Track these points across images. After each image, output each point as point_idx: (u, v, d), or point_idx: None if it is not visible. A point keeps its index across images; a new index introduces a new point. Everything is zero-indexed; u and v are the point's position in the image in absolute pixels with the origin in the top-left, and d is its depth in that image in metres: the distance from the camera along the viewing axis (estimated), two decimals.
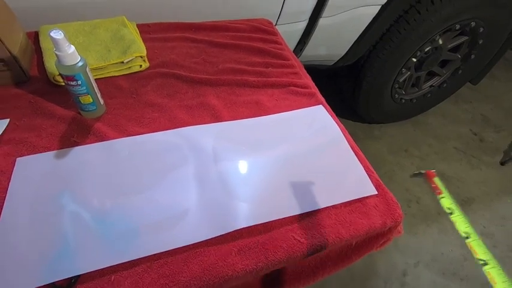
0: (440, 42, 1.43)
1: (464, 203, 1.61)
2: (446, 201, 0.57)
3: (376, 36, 1.33)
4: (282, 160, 0.61)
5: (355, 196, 0.57)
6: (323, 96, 0.74)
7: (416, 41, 1.35)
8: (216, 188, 0.56)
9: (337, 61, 1.43)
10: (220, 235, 0.50)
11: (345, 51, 1.36)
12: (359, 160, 0.62)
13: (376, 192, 0.58)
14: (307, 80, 0.78)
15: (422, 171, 0.62)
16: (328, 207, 0.55)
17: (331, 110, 0.72)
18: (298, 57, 1.34)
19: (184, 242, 0.49)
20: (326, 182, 0.58)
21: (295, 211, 0.54)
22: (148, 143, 0.61)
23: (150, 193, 0.54)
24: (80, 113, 0.64)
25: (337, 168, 0.61)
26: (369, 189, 0.58)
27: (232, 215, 0.52)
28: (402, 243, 1.44)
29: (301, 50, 1.30)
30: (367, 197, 0.57)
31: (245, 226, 0.51)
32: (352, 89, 1.58)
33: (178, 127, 0.63)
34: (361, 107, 1.63)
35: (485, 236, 1.49)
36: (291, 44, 1.26)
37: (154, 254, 0.47)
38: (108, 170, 0.57)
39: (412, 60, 1.45)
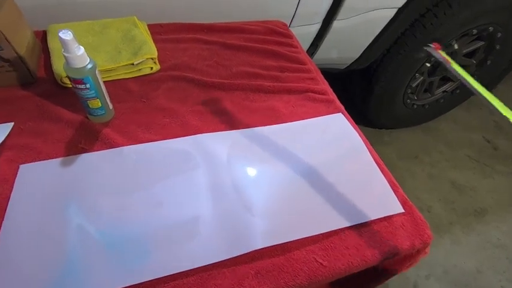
0: (456, 47, 1.38)
1: (477, 214, 1.55)
2: (456, 66, 0.54)
3: (391, 40, 1.28)
4: (300, 173, 0.57)
5: (380, 214, 0.53)
6: None
7: None
8: (231, 203, 0.52)
9: (350, 65, 1.39)
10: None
11: (358, 55, 1.32)
12: (383, 173, 0.58)
13: (403, 211, 0.54)
14: (325, 85, 0.74)
15: (431, 46, 0.57)
16: (351, 226, 0.51)
17: (350, 118, 0.68)
18: None
19: (198, 263, 0.45)
20: (348, 198, 0.54)
21: (317, 230, 0.50)
22: (158, 151, 0.57)
23: (162, 207, 0.50)
24: (87, 117, 0.60)
25: (360, 182, 0.57)
26: (395, 207, 0.54)
27: (249, 234, 0.48)
28: None
29: (314, 53, 1.26)
30: (393, 216, 0.53)
31: (263, 247, 0.47)
32: (363, 93, 1.54)
33: (190, 134, 0.60)
34: (372, 112, 1.59)
35: (500, 248, 1.44)
36: (304, 46, 1.22)
37: (166, 276, 0.43)
38: (116, 180, 0.53)
39: (426, 65, 1.41)
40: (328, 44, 1.23)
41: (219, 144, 0.59)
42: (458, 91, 1.63)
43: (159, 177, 0.54)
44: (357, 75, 1.54)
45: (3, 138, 0.54)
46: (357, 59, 1.34)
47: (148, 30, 0.78)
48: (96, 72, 0.53)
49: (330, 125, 0.65)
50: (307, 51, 1.26)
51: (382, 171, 0.58)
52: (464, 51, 1.42)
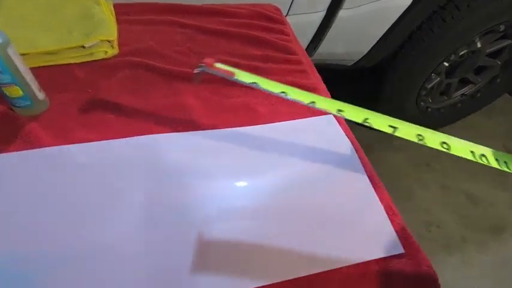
0: (479, 45, 1.21)
1: (494, 231, 1.38)
2: (244, 76, 0.40)
3: (405, 34, 1.12)
4: (274, 193, 0.43)
5: (372, 255, 0.38)
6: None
7: (451, 42, 1.14)
8: (171, 236, 0.38)
9: (358, 61, 1.23)
10: None
11: (367, 50, 1.16)
12: (378, 196, 0.43)
13: (403, 251, 0.39)
14: (317, 81, 0.60)
15: (202, 65, 0.42)
16: (332, 270, 0.37)
17: (344, 121, 0.54)
18: (312, 55, 1.16)
19: None
20: (332, 231, 0.40)
21: (288, 274, 0.36)
22: (88, 155, 0.43)
23: (73, 232, 0.37)
24: (12, 109, 0.48)
25: (349, 210, 0.42)
26: (393, 245, 0.39)
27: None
28: None
29: (316, 46, 1.11)
30: (388, 258, 0.39)
31: None
32: (372, 93, 1.38)
33: (137, 134, 0.47)
34: (382, 112, 1.43)
35: None
36: (304, 38, 1.07)
37: None
38: (25, 192, 0.40)
39: (444, 65, 1.24)
40: (333, 37, 1.08)
41: (173, 149, 0.45)
42: (479, 95, 1.45)
43: (77, 191, 0.40)
44: (365, 73, 1.39)
45: None
46: (365, 55, 1.19)
47: (113, 10, 0.66)
48: (10, 51, 0.41)
49: (317, 129, 0.51)
50: (309, 44, 1.11)
51: (377, 192, 0.44)
52: (487, 50, 1.25)
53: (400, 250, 0.39)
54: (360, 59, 1.21)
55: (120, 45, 0.60)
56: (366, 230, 0.40)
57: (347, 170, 0.46)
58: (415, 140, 0.35)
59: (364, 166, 0.47)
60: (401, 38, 1.13)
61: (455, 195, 1.46)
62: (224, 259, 0.37)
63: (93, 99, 0.51)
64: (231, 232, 0.39)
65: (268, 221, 0.40)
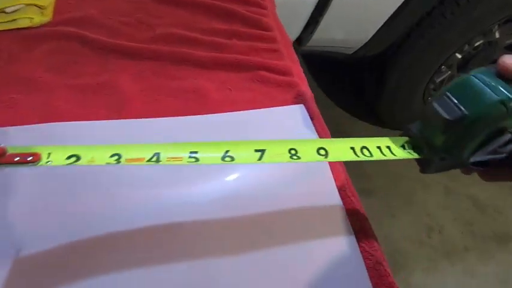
0: (497, 35, 1.05)
1: (500, 240, 1.24)
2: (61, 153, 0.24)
3: (413, 20, 0.97)
4: (224, 200, 0.32)
5: None
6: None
7: (466, 31, 0.99)
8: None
9: (359, 49, 1.09)
10: None
11: (370, 37, 1.02)
12: (350, 222, 0.31)
13: None
14: (292, 63, 0.47)
15: None
16: None
17: (319, 115, 0.42)
18: (308, 41, 1.03)
19: None
20: (290, 268, 0.29)
21: None
22: None
23: None
24: None
25: (314, 239, 0.30)
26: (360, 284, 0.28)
27: None
28: (416, 282, 1.12)
29: (312, 31, 0.98)
30: None
31: None
32: (375, 86, 1.24)
33: (47, 121, 0.36)
34: (385, 109, 1.28)
35: None
36: (298, 22, 0.94)
37: None
38: None
39: (456, 57, 1.09)
40: (331, 20, 0.94)
41: (93, 141, 0.34)
42: None
43: None
44: (367, 63, 1.25)
45: None
46: (367, 42, 1.04)
47: None
48: None
49: (282, 123, 0.39)
50: (304, 28, 0.98)
51: (349, 214, 0.32)
52: (506, 42, 1.09)
53: None
54: (361, 47, 1.07)
55: (54, 13, 0.49)
56: (332, 267, 0.28)
57: (315, 181, 0.34)
58: (288, 159, 0.26)
59: (340, 189, 0.34)
60: (407, 25, 0.99)
61: (460, 199, 1.32)
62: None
63: (3, 74, 0.40)
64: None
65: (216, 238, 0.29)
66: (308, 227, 0.31)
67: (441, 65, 1.09)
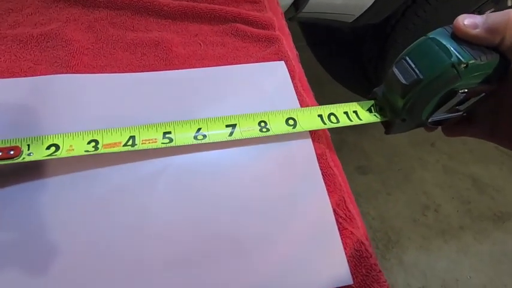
0: (509, 3, 0.95)
1: (497, 219, 1.20)
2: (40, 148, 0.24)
3: None
4: (179, 179, 0.26)
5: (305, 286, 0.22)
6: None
7: None
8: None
9: (359, 17, 0.99)
10: None
11: (371, 3, 0.93)
12: (329, 194, 0.25)
13: (351, 282, 0.23)
14: (274, 16, 0.40)
15: None
16: None
17: (303, 74, 0.35)
18: (303, 7, 0.93)
19: None
20: (267, 250, 0.23)
21: None
22: None
23: None
24: None
25: (288, 212, 0.25)
26: (339, 272, 0.22)
27: None
28: (408, 259, 1.08)
29: None
30: None
31: None
32: (375, 59, 1.15)
33: None
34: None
35: None
36: None
37: None
38: None
39: None
40: None
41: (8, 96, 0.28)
42: None
43: None
44: (369, 34, 1.15)
45: None
46: (368, 9, 0.95)
47: None
48: None
49: (261, 81, 0.32)
50: None
51: (329, 186, 0.26)
52: None
53: (349, 281, 0.22)
54: (362, 14, 0.98)
55: None
56: (308, 245, 0.23)
57: (296, 154, 0.28)
58: (258, 132, 0.26)
59: (316, 152, 0.28)
60: None
61: (459, 178, 1.27)
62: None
63: None
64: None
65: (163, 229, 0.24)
66: (280, 196, 0.26)
67: None
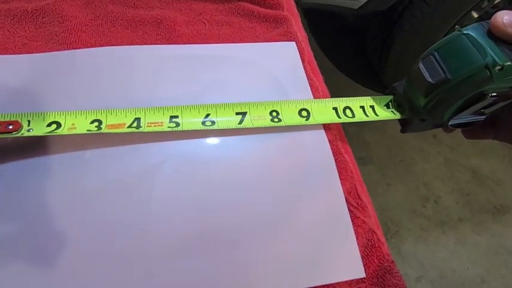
0: None
1: (496, 212, 1.20)
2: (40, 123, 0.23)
3: None
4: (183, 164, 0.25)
5: (314, 281, 0.21)
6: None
7: None
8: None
9: (365, 4, 0.97)
10: None
11: None
12: (343, 186, 0.24)
13: (364, 275, 0.22)
14: None
15: None
16: None
17: (312, 58, 0.33)
18: None
19: None
20: (273, 242, 0.22)
21: None
22: None
23: None
24: None
25: (300, 201, 0.24)
26: (353, 266, 0.21)
27: None
28: (407, 249, 1.09)
29: None
30: (348, 282, 0.21)
31: None
32: (380, 48, 1.13)
33: None
34: (389, 74, 1.18)
35: None
36: None
37: None
38: None
39: (473, 15, 0.97)
40: None
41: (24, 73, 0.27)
42: None
43: None
44: (375, 22, 1.12)
45: None
46: None
47: None
48: None
49: (269, 62, 0.31)
50: None
51: (342, 176, 0.25)
52: None
53: (362, 274, 0.21)
54: (368, 0, 0.95)
55: None
56: (322, 238, 0.22)
57: (308, 144, 0.27)
58: (269, 122, 0.25)
59: (332, 142, 0.27)
60: None
61: (460, 171, 1.26)
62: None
63: None
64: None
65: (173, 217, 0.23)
66: (292, 184, 0.24)
67: (455, 24, 0.97)
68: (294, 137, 0.27)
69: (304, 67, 0.31)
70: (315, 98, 0.29)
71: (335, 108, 0.26)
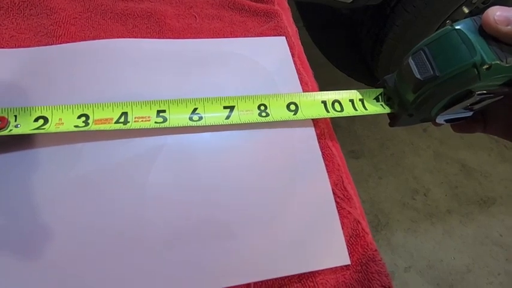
0: None
1: (482, 204, 1.23)
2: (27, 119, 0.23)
3: None
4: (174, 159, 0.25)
5: (302, 268, 0.22)
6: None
7: None
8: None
9: None
10: None
11: None
12: (330, 179, 0.25)
13: (349, 263, 0.23)
14: None
15: None
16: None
17: (302, 52, 0.34)
18: None
19: None
20: (263, 231, 0.23)
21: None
22: None
23: None
24: None
25: (288, 192, 0.24)
26: (339, 254, 0.22)
27: None
28: (396, 240, 1.11)
29: None
30: (333, 269, 0.22)
31: None
32: (372, 42, 1.14)
33: None
34: (381, 68, 1.19)
35: (499, 246, 1.14)
36: None
37: None
38: None
39: (463, 11, 0.98)
40: None
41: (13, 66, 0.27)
42: None
43: None
44: (367, 17, 1.12)
45: None
46: None
47: None
48: None
49: (259, 57, 0.31)
50: None
51: (329, 167, 0.25)
52: None
53: (346, 261, 0.22)
54: None
55: None
56: (306, 229, 0.23)
57: (297, 133, 0.27)
58: (257, 117, 0.25)
59: (319, 136, 0.27)
60: None
61: (448, 164, 1.29)
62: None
63: None
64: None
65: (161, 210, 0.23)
66: (280, 176, 0.25)
67: (446, 19, 0.98)
68: (283, 132, 0.27)
69: (294, 62, 0.32)
70: (304, 92, 0.29)
71: (324, 102, 0.26)
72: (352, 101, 0.26)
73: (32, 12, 0.30)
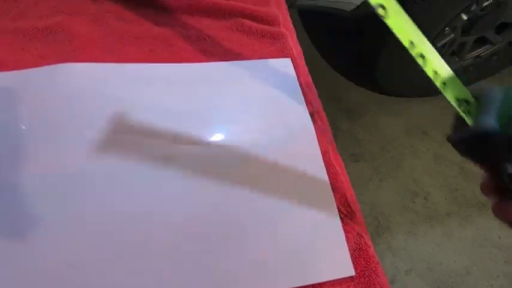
0: None
1: (482, 206, 1.25)
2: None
3: None
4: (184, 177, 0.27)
5: (309, 279, 0.23)
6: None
7: None
8: None
9: (359, 6, 0.99)
10: None
11: None
12: (335, 197, 0.27)
13: (353, 273, 0.25)
14: (278, 10, 0.40)
15: None
16: None
17: (307, 73, 0.36)
18: None
19: None
20: (266, 243, 0.25)
21: None
22: None
23: None
24: None
25: (295, 207, 0.26)
26: (344, 266, 0.24)
27: None
28: (396, 244, 1.13)
29: None
30: (338, 281, 0.24)
31: None
32: (373, 47, 1.15)
33: None
34: (382, 73, 1.21)
35: (498, 249, 1.16)
36: None
37: None
38: None
39: (462, 18, 0.99)
40: None
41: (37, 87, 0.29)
42: (495, 58, 1.22)
43: None
44: (368, 23, 1.14)
45: None
46: None
47: None
48: None
49: (266, 78, 0.33)
50: None
51: (334, 185, 0.27)
52: None
53: (351, 272, 0.24)
54: (362, 3, 0.97)
55: None
56: (311, 241, 0.25)
57: (302, 156, 0.29)
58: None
59: (322, 150, 0.29)
60: None
61: (448, 167, 1.31)
62: None
63: None
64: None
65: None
66: (286, 194, 0.27)
67: (445, 26, 1.00)
68: (288, 148, 0.29)
69: (300, 82, 0.34)
70: (309, 111, 0.31)
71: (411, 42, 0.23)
72: (435, 72, 0.23)
73: (55, 38, 0.32)
